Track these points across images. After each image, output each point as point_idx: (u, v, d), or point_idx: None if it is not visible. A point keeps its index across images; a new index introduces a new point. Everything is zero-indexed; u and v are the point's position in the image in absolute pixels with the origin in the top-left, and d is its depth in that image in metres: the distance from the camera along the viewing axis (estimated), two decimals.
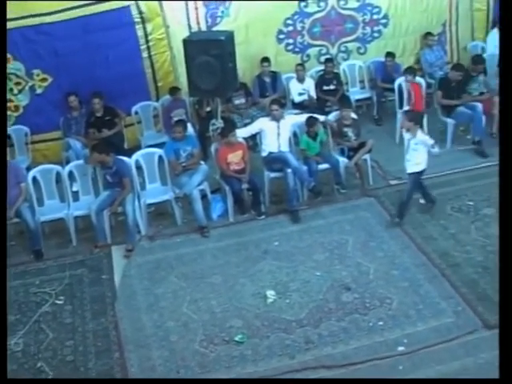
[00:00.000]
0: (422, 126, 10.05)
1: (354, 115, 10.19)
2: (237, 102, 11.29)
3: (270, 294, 7.78)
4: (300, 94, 11.52)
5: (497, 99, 10.95)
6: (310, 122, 9.57)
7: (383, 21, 12.37)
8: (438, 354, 6.75)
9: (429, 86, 11.87)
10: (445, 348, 6.83)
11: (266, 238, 8.93)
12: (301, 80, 11.50)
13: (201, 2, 11.11)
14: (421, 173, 8.81)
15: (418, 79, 11.19)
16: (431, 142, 8.62)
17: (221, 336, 7.19)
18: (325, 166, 9.67)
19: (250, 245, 8.81)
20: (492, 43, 12.56)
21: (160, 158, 9.46)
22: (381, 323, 7.24)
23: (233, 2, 11.24)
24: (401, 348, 6.86)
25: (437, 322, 7.21)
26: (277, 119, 9.54)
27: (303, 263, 8.33)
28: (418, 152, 8.59)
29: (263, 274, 8.19)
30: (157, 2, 10.73)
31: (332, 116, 10.24)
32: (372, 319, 7.30)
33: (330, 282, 7.93)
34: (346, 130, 9.92)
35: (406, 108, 11.02)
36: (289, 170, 9.23)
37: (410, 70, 11.11)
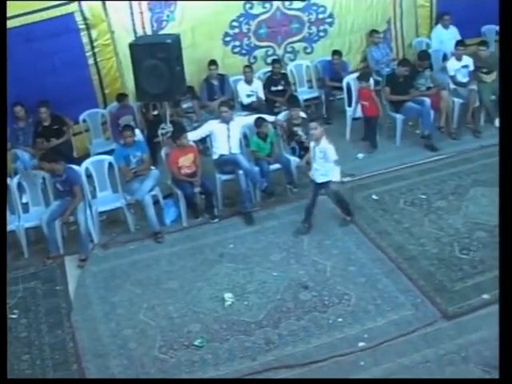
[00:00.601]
0: (374, 132, 10.20)
1: (303, 114, 10.20)
2: (185, 105, 11.21)
3: (228, 296, 7.71)
4: (248, 96, 11.49)
5: (444, 93, 11.13)
6: (259, 122, 9.55)
7: (329, 20, 12.42)
8: (399, 347, 6.77)
9: (376, 83, 11.92)
10: (405, 341, 6.86)
11: (221, 241, 8.87)
12: (249, 82, 11.47)
13: (145, 7, 10.97)
14: (336, 182, 8.62)
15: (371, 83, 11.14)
16: (333, 155, 8.36)
17: (180, 341, 7.11)
18: (276, 166, 9.65)
19: (205, 248, 8.73)
20: (436, 39, 12.77)
21: (110, 165, 9.33)
22: (340, 320, 7.24)
23: (178, 5, 11.14)
24: (362, 343, 6.86)
25: (396, 315, 7.24)
26: (226, 121, 9.50)
27: (259, 264, 8.29)
28: (325, 160, 8.39)
29: (220, 277, 8.13)
30: (101, 8, 10.56)
31: (281, 116, 10.23)
32: (331, 316, 7.30)
33: (288, 282, 7.90)
34: (296, 129, 9.93)
35: (357, 114, 11.19)
36: (240, 172, 9.19)
37: (364, 76, 10.99)
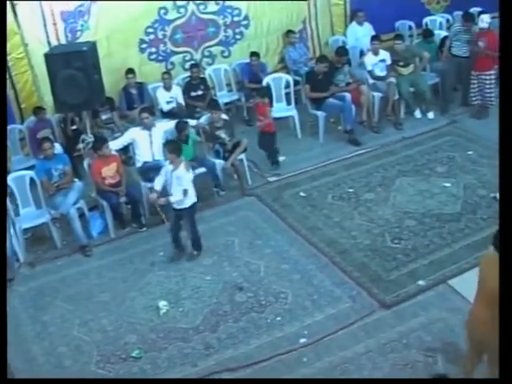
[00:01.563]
0: (273, 148, 10.11)
1: (225, 116, 10.13)
2: (104, 117, 10.94)
3: (162, 304, 7.56)
4: (168, 103, 11.33)
5: (364, 88, 11.25)
6: (180, 126, 9.42)
7: (244, 22, 12.37)
8: (340, 341, 6.77)
9: (296, 83, 11.96)
10: (346, 333, 6.87)
11: (151, 249, 8.69)
12: (168, 88, 11.31)
13: (59, 18, 10.68)
14: (192, 206, 8.27)
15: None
16: (187, 184, 7.99)
17: (117, 354, 6.91)
18: (202, 170, 9.52)
19: (135, 258, 8.55)
20: (352, 36, 12.90)
21: (31, 180, 9.03)
22: (279, 318, 7.19)
23: (92, 14, 10.87)
24: (303, 340, 6.83)
25: (334, 309, 7.25)
26: (148, 127, 9.35)
27: (191, 270, 8.17)
28: (182, 186, 7.94)
29: (152, 285, 7.97)
30: (13, 21, 10.22)
31: (203, 119, 10.12)
32: (269, 316, 7.24)
33: (222, 285, 7.81)
34: (218, 132, 9.83)
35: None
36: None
37: (261, 92, 10.62)
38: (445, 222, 8.64)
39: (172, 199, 7.98)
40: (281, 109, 11.55)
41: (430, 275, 7.60)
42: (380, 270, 7.78)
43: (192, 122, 9.76)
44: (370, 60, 11.67)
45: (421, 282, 7.50)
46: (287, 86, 11.70)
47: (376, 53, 11.61)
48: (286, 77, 11.80)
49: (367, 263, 7.97)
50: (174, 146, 8.08)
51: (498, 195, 9.02)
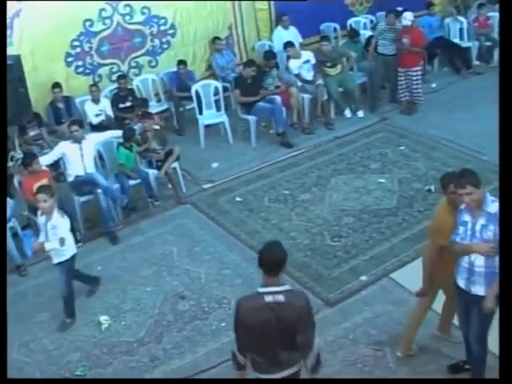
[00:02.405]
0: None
1: (156, 126, 10.01)
2: (32, 133, 10.66)
3: (104, 319, 7.39)
4: (97, 116, 11.12)
5: (293, 90, 11.29)
6: (128, 133, 9.39)
7: (171, 31, 12.27)
8: None
9: (225, 89, 11.92)
10: None
11: (88, 264, 8.43)
12: (96, 101, 11.10)
13: None
14: (71, 259, 7.35)
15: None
16: (63, 232, 7.06)
17: (60, 373, 6.72)
18: (135, 181, 9.40)
19: None
20: (278, 40, 12.91)
21: None
22: (223, 324, 7.10)
23: (15, 29, 10.57)
24: None
25: None
26: (78, 140, 9.12)
27: (131, 282, 8.02)
28: (58, 236, 7.05)
29: (92, 301, 7.78)
30: None
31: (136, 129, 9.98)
32: (214, 322, 7.17)
33: (163, 295, 7.69)
34: (150, 141, 9.71)
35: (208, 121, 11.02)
36: (99, 191, 8.84)
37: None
38: (382, 217, 8.72)
39: (47, 246, 7.09)
40: (211, 115, 11.52)
41: (371, 270, 7.65)
42: (321, 269, 7.80)
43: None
44: (294, 64, 11.73)
45: (363, 278, 7.55)
46: (216, 92, 11.64)
47: (297, 57, 11.66)
48: (214, 83, 11.76)
49: (308, 263, 7.98)
50: (46, 189, 7.15)
51: (432, 187, 9.17)
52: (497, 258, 5.05)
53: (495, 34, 14.36)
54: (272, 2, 13.31)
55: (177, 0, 12.14)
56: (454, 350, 6.28)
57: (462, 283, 5.47)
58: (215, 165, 10.59)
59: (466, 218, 5.29)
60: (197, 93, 11.40)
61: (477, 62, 14.26)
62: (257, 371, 4.90)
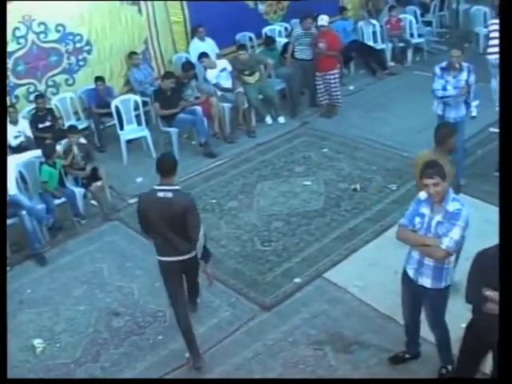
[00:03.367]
0: None
1: (82, 140, 9.91)
2: None
3: (38, 342, 7.19)
4: (16, 137, 10.84)
5: (213, 99, 11.31)
6: (48, 150, 9.17)
7: (87, 48, 12.08)
8: (226, 349, 6.74)
9: (144, 103, 11.83)
10: (231, 341, 6.84)
11: (17, 288, 8.23)
12: (14, 122, 10.81)
13: None
14: None
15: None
16: None
17: None
18: (61, 200, 9.24)
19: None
20: (195, 52, 12.85)
21: None
22: (161, 337, 7.04)
23: None
24: (188, 354, 6.66)
25: (215, 319, 7.20)
26: None
27: (63, 303, 7.83)
28: None
29: (24, 325, 7.56)
30: None
31: (60, 146, 9.82)
32: (151, 336, 7.08)
33: (97, 313, 7.54)
34: (74, 157, 9.57)
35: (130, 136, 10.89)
36: (23, 213, 8.63)
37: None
38: (311, 219, 8.79)
39: None
40: (132, 130, 11.41)
41: (304, 272, 7.71)
42: (255, 274, 7.81)
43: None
44: (211, 74, 11.77)
45: (297, 280, 7.59)
46: (136, 107, 11.54)
47: (213, 67, 11.71)
48: (134, 97, 11.64)
49: (241, 269, 7.98)
50: None
51: (358, 186, 9.32)
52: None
53: (407, 35, 14.74)
54: (187, 14, 13.27)
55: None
56: (393, 343, 6.38)
57: (411, 272, 5.56)
58: (139, 179, 10.45)
59: (425, 210, 5.32)
60: (117, 108, 11.27)
61: (391, 64, 14.59)
62: (159, 255, 6.30)
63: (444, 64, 8.65)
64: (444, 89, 8.58)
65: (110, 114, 11.51)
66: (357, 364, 6.34)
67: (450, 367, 5.92)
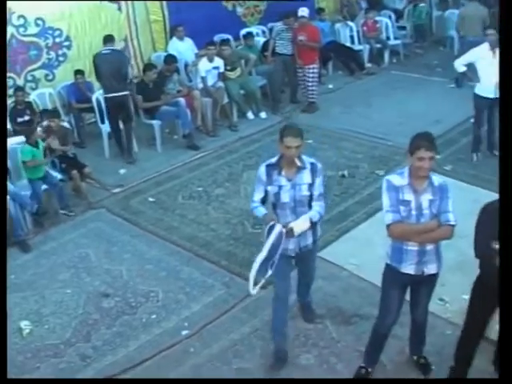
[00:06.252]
0: None
1: (65, 124, 10.02)
2: None
3: (24, 324, 7.00)
4: None
5: (196, 93, 11.29)
6: (28, 131, 9.09)
7: (66, 43, 11.97)
8: (224, 325, 6.68)
9: None
10: (228, 317, 6.79)
11: None
12: None
13: None
14: None
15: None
16: None
17: None
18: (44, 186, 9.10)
19: None
20: (174, 51, 12.78)
21: None
22: (154, 316, 6.93)
23: None
24: (185, 332, 6.62)
25: (210, 297, 7.14)
26: None
27: (48, 287, 7.65)
28: None
29: (9, 309, 7.30)
30: None
31: (40, 129, 9.65)
32: (143, 315, 6.96)
33: (86, 295, 7.39)
34: (53, 142, 9.44)
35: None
36: (7, 198, 8.45)
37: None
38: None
39: None
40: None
41: None
42: (248, 255, 7.70)
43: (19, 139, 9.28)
44: (204, 66, 11.69)
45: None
46: None
47: (211, 59, 11.66)
48: None
49: (233, 251, 7.94)
50: None
51: (345, 172, 9.34)
52: None
53: (384, 37, 14.90)
54: (166, 14, 13.26)
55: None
56: None
57: (410, 269, 5.20)
58: (123, 171, 10.36)
59: (408, 196, 4.99)
60: (98, 101, 11.12)
61: (369, 64, 14.74)
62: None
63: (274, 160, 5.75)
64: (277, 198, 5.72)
65: (89, 110, 11.38)
66: (359, 335, 6.29)
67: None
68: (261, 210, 5.74)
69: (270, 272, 5.59)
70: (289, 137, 5.36)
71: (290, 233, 5.46)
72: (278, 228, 5.43)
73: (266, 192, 5.67)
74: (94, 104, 11.15)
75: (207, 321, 6.73)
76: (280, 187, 5.56)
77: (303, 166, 5.55)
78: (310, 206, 5.64)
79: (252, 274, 5.52)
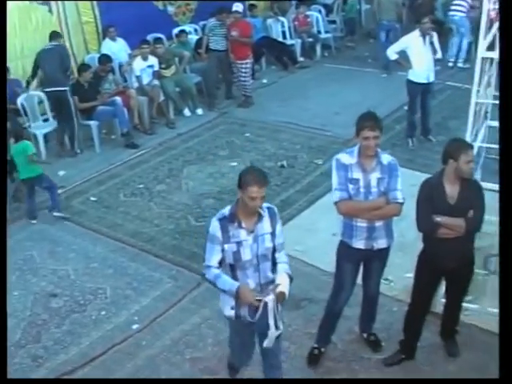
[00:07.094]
0: None
1: None
2: None
3: None
4: None
5: (132, 91, 11.30)
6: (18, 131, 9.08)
7: None
8: (174, 317, 6.75)
9: None
10: (178, 309, 6.87)
11: None
12: None
13: None
14: None
15: None
16: None
17: None
18: None
19: None
20: (107, 52, 12.65)
21: None
22: (103, 312, 6.95)
23: None
24: (135, 326, 6.67)
25: (158, 291, 7.20)
26: None
27: None
28: None
29: None
30: None
31: None
32: (93, 312, 6.97)
33: (32, 296, 7.34)
34: None
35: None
36: None
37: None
38: None
39: None
40: (45, 125, 11.11)
41: None
42: (193, 247, 7.82)
43: None
44: (138, 65, 11.74)
45: None
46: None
47: (145, 58, 11.68)
48: (38, 94, 11.17)
49: (178, 244, 8.02)
50: None
51: (285, 163, 9.49)
52: None
53: (315, 31, 15.14)
54: (97, 15, 13.17)
55: None
56: None
57: (360, 244, 5.32)
58: (62, 173, 10.24)
59: (356, 174, 5.10)
60: (23, 106, 10.87)
61: (301, 58, 14.95)
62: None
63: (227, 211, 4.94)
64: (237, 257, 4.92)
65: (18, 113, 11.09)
66: (309, 318, 6.45)
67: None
68: (226, 281, 4.76)
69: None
70: (255, 186, 4.50)
71: (281, 297, 4.63)
72: (270, 303, 4.60)
73: (223, 252, 4.75)
74: (20, 108, 10.85)
75: (157, 314, 6.78)
76: (239, 243, 4.66)
77: (263, 214, 4.73)
78: (272, 260, 4.83)
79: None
